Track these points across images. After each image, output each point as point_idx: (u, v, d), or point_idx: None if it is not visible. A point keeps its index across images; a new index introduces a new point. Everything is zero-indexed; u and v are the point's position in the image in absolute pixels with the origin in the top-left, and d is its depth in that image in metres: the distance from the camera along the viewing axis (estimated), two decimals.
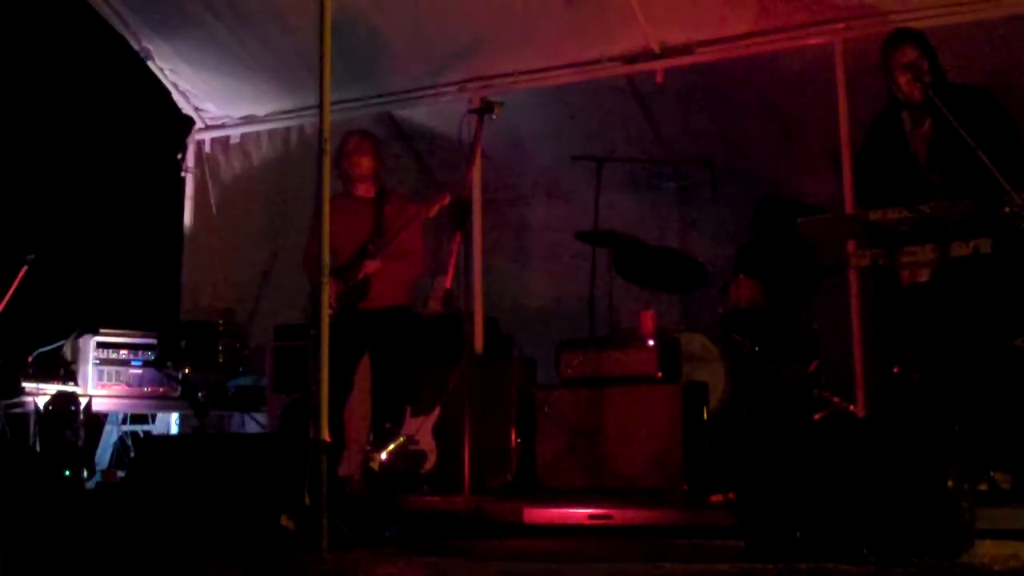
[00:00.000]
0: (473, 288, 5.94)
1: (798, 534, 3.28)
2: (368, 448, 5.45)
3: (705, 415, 5.44)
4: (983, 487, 4.08)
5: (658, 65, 6.17)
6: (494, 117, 5.12)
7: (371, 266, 5.54)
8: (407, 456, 5.44)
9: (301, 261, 5.87)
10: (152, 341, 6.68)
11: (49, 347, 6.67)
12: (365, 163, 5.76)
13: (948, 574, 2.99)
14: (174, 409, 7.12)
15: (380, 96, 6.97)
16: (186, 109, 7.56)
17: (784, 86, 6.31)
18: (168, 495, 3.89)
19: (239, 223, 7.60)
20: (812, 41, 5.83)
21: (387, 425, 5.50)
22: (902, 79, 4.57)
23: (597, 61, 6.34)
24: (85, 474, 6.02)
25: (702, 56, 6.10)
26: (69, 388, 6.45)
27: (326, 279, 3.96)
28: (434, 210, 5.50)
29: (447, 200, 5.46)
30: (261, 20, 6.56)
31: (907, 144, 4.64)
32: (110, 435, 7.06)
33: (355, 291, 5.55)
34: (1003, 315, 4.32)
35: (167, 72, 7.24)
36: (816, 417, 5.20)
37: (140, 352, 6.85)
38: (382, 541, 4.26)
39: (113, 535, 3.86)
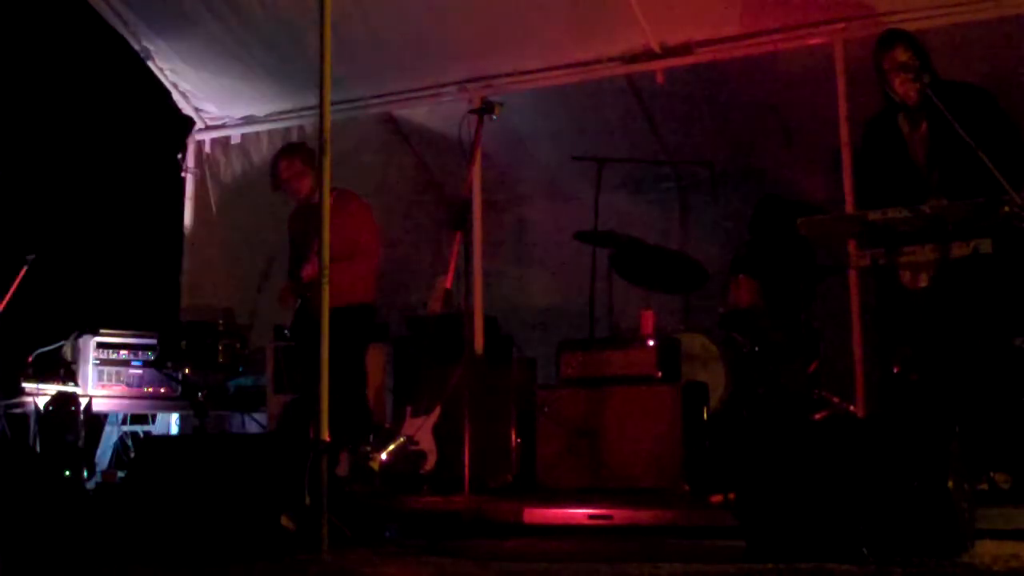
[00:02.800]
0: (473, 288, 5.93)
1: (798, 534, 3.28)
2: (368, 448, 5.45)
3: (705, 415, 5.44)
4: (983, 487, 4.08)
5: (658, 65, 6.17)
6: (494, 117, 5.12)
7: (306, 270, 5.56)
8: (407, 456, 5.44)
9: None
10: (152, 341, 6.68)
11: (49, 347, 6.67)
12: (305, 185, 5.76)
13: (948, 574, 2.99)
14: (174, 409, 7.12)
15: (380, 96, 6.97)
16: (186, 109, 7.56)
17: (784, 86, 6.30)
18: (168, 495, 3.89)
19: (239, 223, 7.61)
20: (812, 41, 5.83)
21: (387, 425, 5.51)
22: (896, 80, 4.57)
23: (597, 61, 6.34)
24: (85, 474, 6.03)
25: (702, 56, 6.11)
26: (69, 388, 6.45)
27: (326, 279, 3.96)
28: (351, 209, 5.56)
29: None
30: (261, 20, 6.56)
31: (905, 147, 4.63)
32: (110, 435, 7.06)
33: (305, 293, 5.62)
34: (1003, 315, 4.32)
35: (167, 72, 7.24)
36: (816, 417, 5.20)
37: (140, 352, 6.85)
38: (382, 541, 4.26)
39: (113, 535, 3.86)
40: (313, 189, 5.73)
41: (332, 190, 5.78)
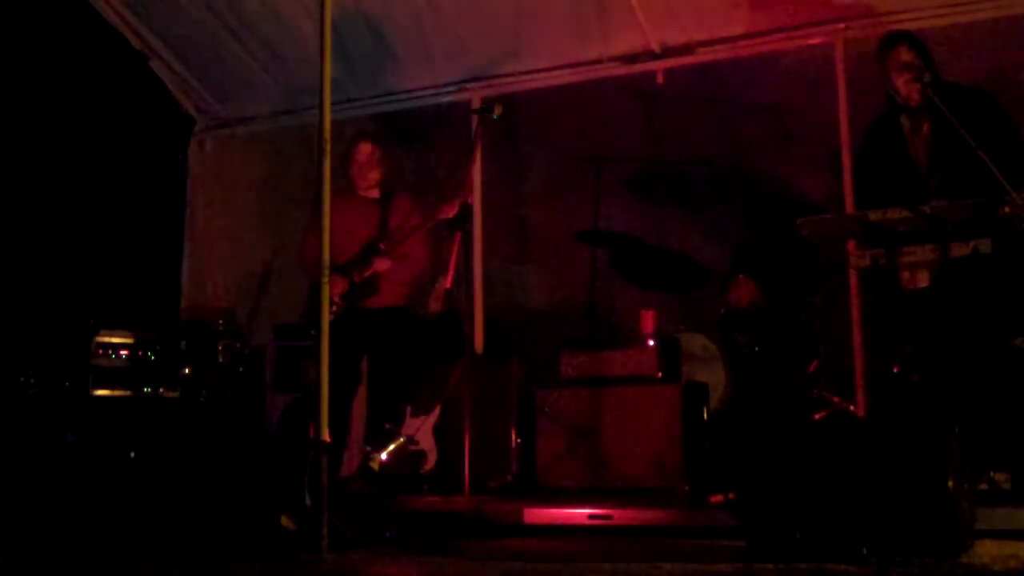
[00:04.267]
0: (473, 288, 5.94)
1: (798, 534, 3.28)
2: (368, 448, 5.45)
3: (705, 415, 5.43)
4: (983, 487, 4.08)
5: (658, 65, 6.18)
6: (495, 117, 5.12)
7: (382, 264, 5.52)
8: (407, 456, 5.44)
9: (297, 258, 5.87)
10: (152, 341, 6.68)
11: (49, 347, 6.67)
12: (373, 176, 5.73)
13: (948, 574, 2.99)
14: (174, 409, 7.11)
15: (380, 96, 6.97)
16: (187, 109, 7.56)
17: (784, 86, 6.31)
18: (169, 495, 3.89)
19: (239, 223, 7.61)
20: (812, 41, 5.83)
21: (387, 425, 5.50)
22: (899, 81, 4.58)
23: (597, 61, 6.34)
24: (85, 474, 6.01)
25: (702, 56, 6.11)
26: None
27: (326, 279, 3.96)
28: (454, 211, 5.46)
29: (462, 202, 5.46)
30: (261, 20, 6.56)
31: (907, 148, 4.63)
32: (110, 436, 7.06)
33: (362, 288, 5.53)
34: (1003, 315, 4.32)
35: (167, 72, 7.24)
36: (816, 417, 5.20)
37: (140, 352, 6.84)
38: (382, 541, 4.25)
39: (113, 535, 3.86)
40: (375, 184, 5.73)
41: (398, 192, 5.85)
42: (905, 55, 4.56)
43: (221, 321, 6.42)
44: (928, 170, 4.57)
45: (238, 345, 6.36)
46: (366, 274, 5.50)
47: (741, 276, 5.75)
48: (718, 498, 4.60)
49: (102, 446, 6.96)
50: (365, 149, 5.71)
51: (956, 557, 3.13)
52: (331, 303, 5.45)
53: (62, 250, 7.36)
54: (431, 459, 5.47)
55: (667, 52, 6.15)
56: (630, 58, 6.27)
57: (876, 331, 4.92)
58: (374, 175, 5.72)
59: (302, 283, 6.06)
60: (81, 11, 6.82)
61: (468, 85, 6.61)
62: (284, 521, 3.71)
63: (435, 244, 6.73)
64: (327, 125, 3.96)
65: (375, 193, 5.76)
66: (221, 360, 6.25)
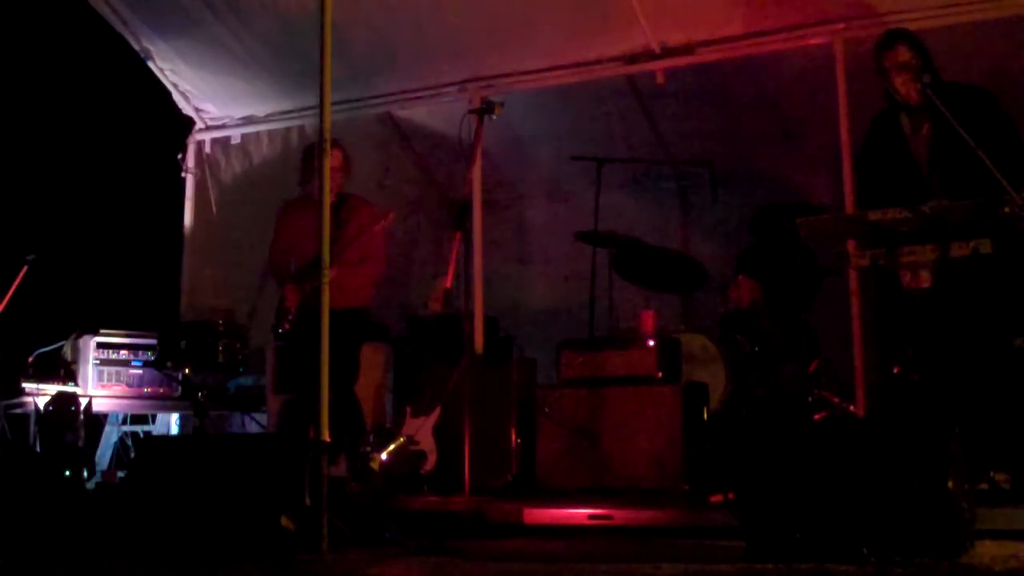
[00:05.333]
0: (473, 288, 5.94)
1: (798, 534, 3.28)
2: (368, 448, 5.45)
3: (705, 415, 5.44)
4: (983, 487, 4.08)
5: (658, 65, 6.17)
6: (494, 117, 5.12)
7: (333, 273, 5.51)
8: (407, 456, 5.44)
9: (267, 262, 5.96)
10: (152, 341, 6.68)
11: (49, 347, 6.67)
12: (338, 181, 5.67)
13: (948, 574, 2.99)
14: (174, 409, 7.12)
15: (380, 96, 6.97)
16: (186, 110, 7.56)
17: (784, 86, 6.31)
18: (168, 495, 3.89)
19: (239, 223, 7.61)
20: (812, 41, 5.83)
21: (387, 425, 5.51)
22: (898, 80, 4.57)
23: (597, 61, 6.34)
24: (85, 474, 6.02)
25: (702, 56, 6.11)
26: (69, 388, 6.45)
27: (326, 279, 3.96)
28: (379, 227, 5.54)
29: (391, 218, 5.53)
30: (261, 20, 6.56)
31: (907, 147, 4.63)
32: (110, 435, 7.07)
33: (312, 298, 5.53)
34: (1003, 315, 4.32)
35: (167, 72, 7.24)
36: (816, 417, 5.20)
37: (140, 352, 6.85)
38: (382, 541, 4.25)
39: (113, 535, 3.86)
40: (340, 187, 5.72)
41: (350, 195, 5.85)
42: (903, 55, 4.56)
43: (221, 321, 6.41)
44: (929, 169, 4.56)
45: (238, 345, 6.35)
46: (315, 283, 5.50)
47: (741, 277, 5.75)
48: (718, 498, 4.60)
49: (102, 446, 6.99)
50: (337, 155, 5.68)
51: (956, 557, 3.13)
52: (288, 312, 5.53)
53: (62, 250, 7.36)
54: (431, 459, 5.47)
55: (667, 52, 6.15)
56: (630, 58, 6.27)
57: (876, 331, 4.91)
58: (339, 179, 5.69)
59: None
60: (81, 11, 6.81)
61: (468, 85, 6.61)
62: (284, 521, 3.71)
63: (434, 244, 6.75)
64: (327, 125, 3.96)
65: (331, 198, 5.73)
66: (221, 360, 6.24)
